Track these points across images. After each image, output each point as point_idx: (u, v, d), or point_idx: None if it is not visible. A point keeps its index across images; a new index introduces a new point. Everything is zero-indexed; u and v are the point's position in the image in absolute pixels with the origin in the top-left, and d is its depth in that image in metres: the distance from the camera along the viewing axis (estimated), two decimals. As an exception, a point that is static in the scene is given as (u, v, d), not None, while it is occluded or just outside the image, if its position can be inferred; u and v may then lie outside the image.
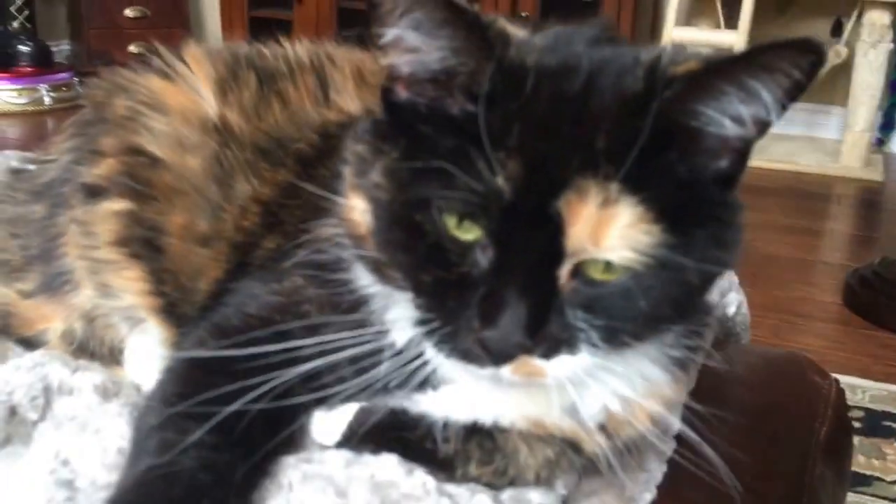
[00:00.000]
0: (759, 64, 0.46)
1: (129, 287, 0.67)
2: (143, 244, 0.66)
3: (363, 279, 0.55)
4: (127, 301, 0.68)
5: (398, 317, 0.54)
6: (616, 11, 3.17)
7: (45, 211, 0.73)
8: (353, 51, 0.77)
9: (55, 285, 0.70)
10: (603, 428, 0.57)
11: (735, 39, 2.99)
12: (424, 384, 0.56)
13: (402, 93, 0.52)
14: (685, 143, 0.48)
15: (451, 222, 0.48)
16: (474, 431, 0.57)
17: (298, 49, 0.76)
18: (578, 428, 0.57)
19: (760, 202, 2.97)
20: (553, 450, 0.58)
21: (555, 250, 0.47)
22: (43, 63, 3.37)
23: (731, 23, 3.08)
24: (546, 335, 0.48)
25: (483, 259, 0.48)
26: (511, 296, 0.47)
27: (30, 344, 0.72)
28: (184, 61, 0.73)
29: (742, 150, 0.50)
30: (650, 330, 0.52)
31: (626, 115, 0.47)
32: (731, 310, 0.94)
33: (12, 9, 3.35)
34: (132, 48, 3.61)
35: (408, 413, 0.57)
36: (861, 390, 1.71)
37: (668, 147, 0.47)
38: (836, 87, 3.34)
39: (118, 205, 0.67)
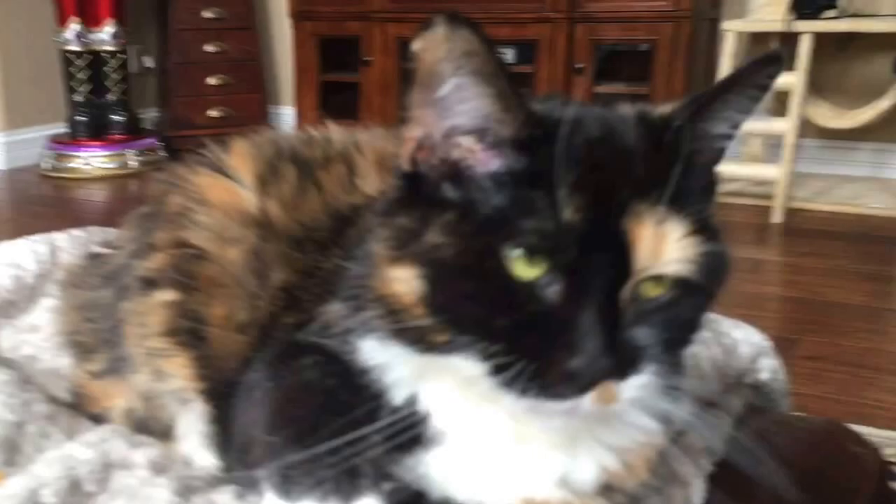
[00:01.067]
0: (746, 80, 0.55)
1: (178, 372, 0.71)
2: (189, 334, 0.70)
3: (371, 352, 0.59)
4: (176, 384, 0.72)
5: (399, 377, 0.57)
6: (669, 57, 3.17)
7: (112, 297, 0.78)
8: (379, 136, 0.81)
9: (118, 367, 0.75)
10: (607, 488, 0.59)
11: (794, 80, 2.94)
12: (418, 443, 0.58)
13: (428, 157, 0.55)
14: (699, 164, 0.56)
15: (520, 262, 0.51)
16: None
17: (334, 135, 0.80)
18: (574, 498, 0.58)
19: (825, 247, 2.88)
20: None
21: (621, 272, 0.50)
22: (132, 131, 3.59)
23: (789, 63, 3.05)
24: (623, 356, 0.51)
25: (552, 293, 0.51)
26: (587, 323, 0.49)
27: (98, 420, 0.77)
28: (230, 156, 0.77)
29: (719, 160, 0.59)
30: (689, 342, 0.56)
31: (655, 153, 0.54)
32: (764, 376, 0.93)
33: (109, 83, 3.59)
34: (212, 112, 3.81)
35: (429, 496, 0.60)
36: (942, 453, 1.54)
37: (690, 173, 0.53)
38: (901, 125, 3.23)
39: (166, 296, 0.71)
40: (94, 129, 3.52)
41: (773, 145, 3.38)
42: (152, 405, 0.75)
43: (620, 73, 3.38)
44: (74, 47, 3.48)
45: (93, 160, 3.44)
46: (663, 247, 0.51)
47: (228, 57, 3.86)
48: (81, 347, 0.81)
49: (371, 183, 0.75)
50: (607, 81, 3.31)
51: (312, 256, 0.70)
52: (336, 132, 0.81)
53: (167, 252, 0.73)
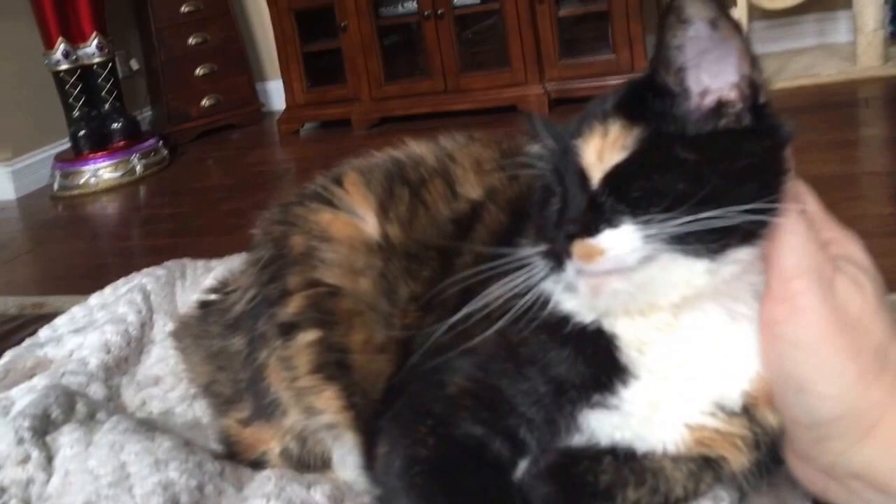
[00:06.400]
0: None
1: (329, 406, 0.69)
2: (335, 366, 0.69)
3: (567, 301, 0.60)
4: (327, 418, 0.70)
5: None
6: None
7: (244, 344, 0.75)
8: (464, 141, 0.79)
9: (267, 412, 0.73)
10: (746, 411, 0.58)
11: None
12: (613, 378, 0.58)
13: None
14: None
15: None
16: (627, 457, 0.59)
17: (423, 152, 0.77)
18: (726, 423, 0.58)
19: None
20: (695, 463, 0.60)
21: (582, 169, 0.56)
22: (133, 135, 3.43)
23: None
24: (586, 217, 0.54)
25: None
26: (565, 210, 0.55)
27: (255, 465, 0.76)
28: (344, 188, 0.74)
29: None
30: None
31: None
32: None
33: (103, 93, 3.43)
34: (205, 102, 3.68)
35: (571, 450, 0.60)
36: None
37: None
38: (838, -10, 3.15)
39: (310, 336, 0.69)
40: (96, 140, 3.38)
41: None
42: (307, 442, 0.74)
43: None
44: (65, 66, 3.31)
45: (100, 172, 3.30)
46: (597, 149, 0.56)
47: (212, 45, 3.71)
48: (220, 398, 0.80)
49: (472, 187, 0.74)
50: (567, 5, 3.20)
51: (431, 265, 0.69)
52: (421, 148, 0.78)
53: (302, 294, 0.70)
